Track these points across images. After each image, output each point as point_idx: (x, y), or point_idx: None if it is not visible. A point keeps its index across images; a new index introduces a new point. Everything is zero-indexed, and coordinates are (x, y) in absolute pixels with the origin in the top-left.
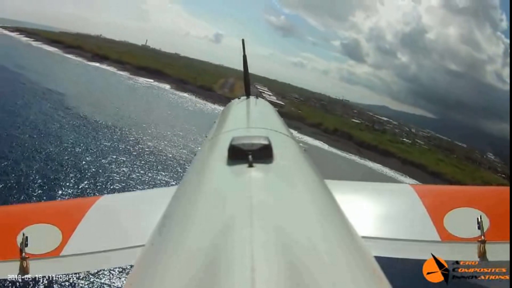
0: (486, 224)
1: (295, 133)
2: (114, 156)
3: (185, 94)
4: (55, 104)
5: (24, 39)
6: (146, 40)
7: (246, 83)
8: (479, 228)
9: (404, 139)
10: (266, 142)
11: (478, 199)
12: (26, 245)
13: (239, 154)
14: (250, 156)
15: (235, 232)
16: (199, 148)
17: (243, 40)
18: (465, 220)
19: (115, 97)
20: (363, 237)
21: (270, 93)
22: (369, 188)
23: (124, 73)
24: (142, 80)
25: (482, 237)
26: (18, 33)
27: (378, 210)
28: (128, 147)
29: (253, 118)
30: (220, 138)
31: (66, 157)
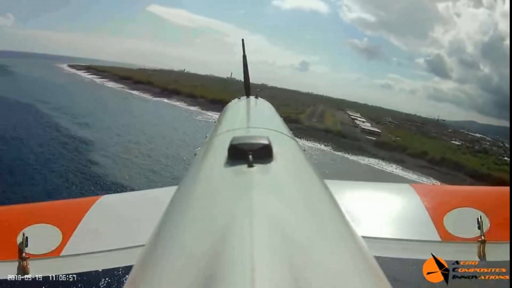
0: (486, 224)
1: (393, 169)
2: None
3: None
4: (75, 154)
5: (89, 76)
6: (231, 73)
7: (246, 83)
8: (479, 228)
9: (506, 158)
10: (266, 142)
11: (478, 199)
12: (26, 245)
13: (239, 154)
14: (250, 156)
15: (235, 232)
16: (199, 148)
17: (242, 40)
18: (465, 220)
19: (168, 139)
20: (363, 237)
21: (363, 120)
22: (369, 188)
23: (194, 108)
24: (213, 114)
25: (482, 237)
26: (85, 71)
27: (378, 210)
28: None
29: (253, 118)
30: (220, 138)
31: None
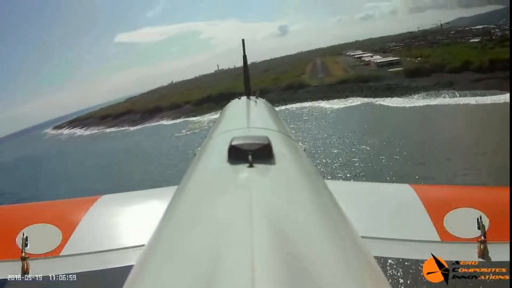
0: (486, 224)
1: (451, 98)
2: None
3: (281, 107)
4: None
5: (70, 131)
6: (217, 65)
7: (246, 83)
8: (479, 228)
9: None
10: (266, 142)
11: (478, 199)
12: (26, 245)
13: (239, 154)
14: (250, 156)
15: (235, 232)
16: (199, 148)
17: (243, 40)
18: (465, 220)
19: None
20: (363, 237)
21: (370, 54)
22: (369, 188)
23: (179, 120)
24: (206, 118)
25: (482, 237)
26: (68, 127)
27: (378, 210)
28: None
29: (253, 118)
30: (220, 138)
31: None
